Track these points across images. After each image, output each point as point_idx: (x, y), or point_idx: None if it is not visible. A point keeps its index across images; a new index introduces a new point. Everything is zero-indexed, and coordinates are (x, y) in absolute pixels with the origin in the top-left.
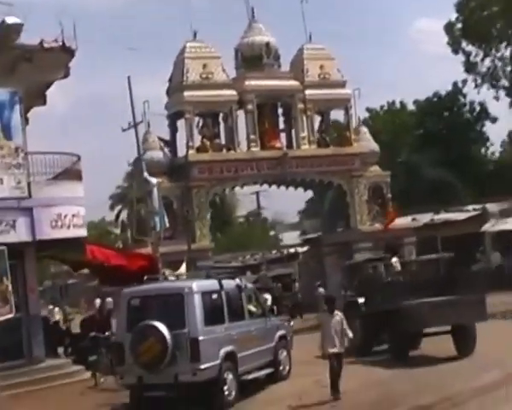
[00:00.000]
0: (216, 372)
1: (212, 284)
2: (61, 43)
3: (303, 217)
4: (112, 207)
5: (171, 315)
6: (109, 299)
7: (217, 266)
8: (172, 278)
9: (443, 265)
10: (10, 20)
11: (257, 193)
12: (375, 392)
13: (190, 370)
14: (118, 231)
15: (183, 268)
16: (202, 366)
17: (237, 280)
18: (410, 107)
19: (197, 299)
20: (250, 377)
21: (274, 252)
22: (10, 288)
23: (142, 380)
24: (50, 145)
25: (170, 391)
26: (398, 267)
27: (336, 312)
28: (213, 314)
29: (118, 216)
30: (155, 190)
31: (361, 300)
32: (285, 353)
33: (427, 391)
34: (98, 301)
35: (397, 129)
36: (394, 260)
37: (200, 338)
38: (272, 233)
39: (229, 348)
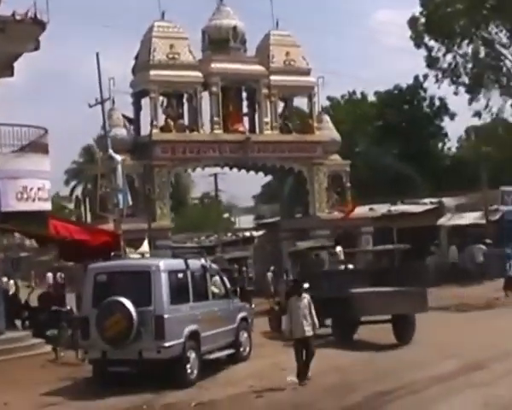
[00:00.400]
0: (180, 351)
1: (178, 263)
2: (32, 16)
3: (258, 201)
4: (67, 183)
5: (138, 292)
6: (60, 274)
7: (175, 245)
8: (135, 256)
9: (397, 256)
10: None
11: (215, 175)
12: (334, 377)
13: (155, 347)
14: (71, 206)
15: (145, 246)
16: (166, 344)
17: (202, 260)
18: (371, 98)
19: (164, 277)
20: (212, 356)
21: (229, 235)
22: None
23: (106, 355)
24: (10, 117)
25: (133, 367)
26: (342, 256)
27: (304, 295)
28: (179, 293)
29: (72, 191)
30: (119, 168)
31: (305, 285)
32: (246, 334)
33: (386, 378)
34: (50, 275)
35: (357, 119)
36: (338, 249)
37: (166, 316)
38: (226, 216)
39: (193, 327)
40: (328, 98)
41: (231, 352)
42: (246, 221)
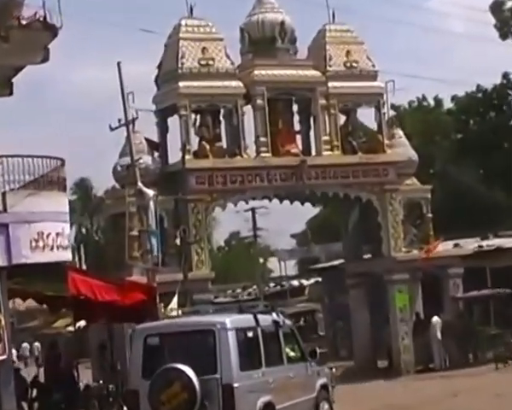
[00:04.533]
0: None
1: (246, 319)
2: (41, 19)
3: (303, 241)
4: None
5: (199, 357)
6: (25, 344)
7: (218, 301)
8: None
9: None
10: None
11: (252, 210)
12: None
13: None
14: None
15: (173, 303)
16: None
17: (274, 315)
18: (447, 104)
19: (231, 337)
20: None
21: (272, 285)
22: (3, 322)
23: None
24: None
25: None
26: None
27: None
28: (249, 356)
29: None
30: (152, 205)
31: None
32: (327, 406)
33: None
34: (26, 345)
35: (430, 132)
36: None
37: (235, 385)
38: (262, 261)
39: (266, 397)
40: (393, 106)
41: None
42: (287, 266)
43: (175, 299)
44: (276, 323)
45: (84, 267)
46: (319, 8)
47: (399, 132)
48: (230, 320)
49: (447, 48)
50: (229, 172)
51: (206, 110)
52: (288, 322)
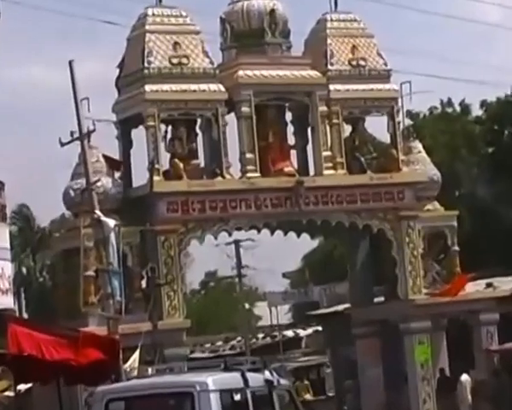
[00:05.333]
0: None
1: (232, 378)
2: None
3: (298, 280)
4: None
5: None
6: None
7: (195, 356)
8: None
9: None
10: None
11: (236, 243)
12: None
13: None
14: None
15: (133, 359)
16: None
17: (267, 373)
18: (476, 110)
19: (214, 401)
20: None
21: (261, 336)
22: None
23: None
24: None
25: None
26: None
27: None
28: None
29: None
30: (113, 237)
31: None
32: None
33: None
34: None
35: (456, 145)
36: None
37: None
38: (248, 306)
39: None
40: (410, 114)
41: None
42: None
43: (136, 355)
44: (269, 383)
45: (24, 316)
46: None
47: (418, 146)
48: (213, 380)
49: (477, 41)
50: (207, 196)
51: (179, 120)
52: (283, 381)
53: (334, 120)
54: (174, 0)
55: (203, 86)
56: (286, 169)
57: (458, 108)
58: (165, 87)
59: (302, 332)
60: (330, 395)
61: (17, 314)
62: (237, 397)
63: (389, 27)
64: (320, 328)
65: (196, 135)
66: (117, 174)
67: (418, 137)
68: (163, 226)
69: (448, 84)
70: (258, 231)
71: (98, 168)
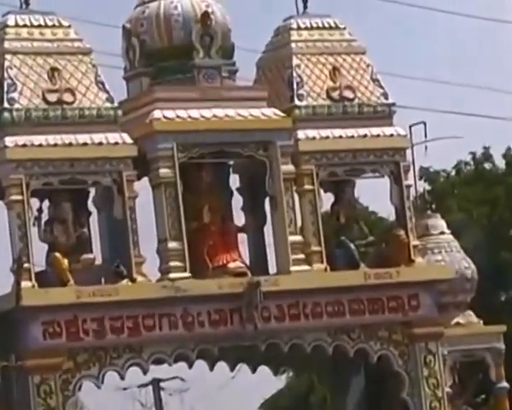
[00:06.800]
0: None
1: None
2: None
3: None
4: None
5: None
6: None
7: None
8: None
9: None
10: None
11: (155, 384)
12: None
13: None
14: None
15: None
16: None
17: None
18: None
19: None
20: None
21: None
22: None
23: None
24: None
25: None
26: None
27: None
28: None
29: None
30: None
31: None
32: None
33: None
34: None
35: (499, 221)
36: None
37: None
38: None
39: None
40: (425, 173)
41: None
42: None
43: None
44: None
45: None
46: None
47: (440, 224)
48: None
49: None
50: (107, 310)
51: (60, 191)
52: None
53: (307, 186)
54: (53, 3)
55: (98, 137)
56: (231, 265)
57: (501, 164)
58: (38, 140)
59: None
60: None
61: None
62: None
63: (390, 36)
64: None
65: (89, 214)
66: None
67: (440, 209)
68: (37, 360)
69: (485, 126)
70: (190, 364)
71: None
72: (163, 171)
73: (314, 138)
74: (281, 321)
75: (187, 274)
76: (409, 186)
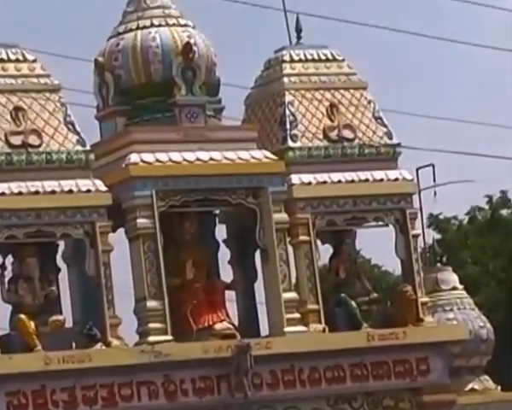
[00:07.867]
0: None
1: None
2: None
3: None
4: None
5: None
6: None
7: None
8: None
9: None
10: None
11: None
12: None
13: None
14: None
15: None
16: None
17: None
18: None
19: None
20: None
21: None
22: None
23: None
24: None
25: None
26: None
27: None
28: None
29: None
30: None
31: None
32: None
33: None
34: None
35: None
36: None
37: None
38: None
39: None
40: (434, 221)
41: None
42: None
43: None
44: None
45: None
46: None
47: (452, 278)
48: None
49: None
50: (79, 378)
51: (26, 246)
52: None
53: (302, 237)
54: (16, 35)
55: (67, 184)
56: (218, 326)
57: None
58: (0, 187)
59: None
60: None
61: None
62: None
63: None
64: None
65: (58, 271)
66: None
67: (452, 262)
68: None
69: (503, 168)
70: None
71: None
72: (141, 221)
73: (310, 183)
74: (274, 389)
75: (168, 337)
76: (416, 236)
